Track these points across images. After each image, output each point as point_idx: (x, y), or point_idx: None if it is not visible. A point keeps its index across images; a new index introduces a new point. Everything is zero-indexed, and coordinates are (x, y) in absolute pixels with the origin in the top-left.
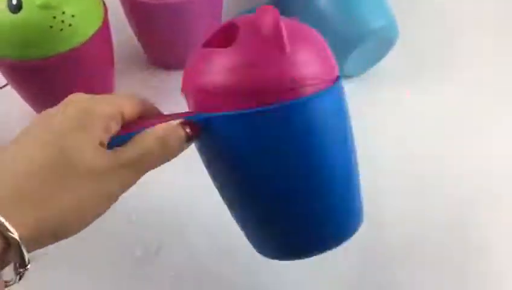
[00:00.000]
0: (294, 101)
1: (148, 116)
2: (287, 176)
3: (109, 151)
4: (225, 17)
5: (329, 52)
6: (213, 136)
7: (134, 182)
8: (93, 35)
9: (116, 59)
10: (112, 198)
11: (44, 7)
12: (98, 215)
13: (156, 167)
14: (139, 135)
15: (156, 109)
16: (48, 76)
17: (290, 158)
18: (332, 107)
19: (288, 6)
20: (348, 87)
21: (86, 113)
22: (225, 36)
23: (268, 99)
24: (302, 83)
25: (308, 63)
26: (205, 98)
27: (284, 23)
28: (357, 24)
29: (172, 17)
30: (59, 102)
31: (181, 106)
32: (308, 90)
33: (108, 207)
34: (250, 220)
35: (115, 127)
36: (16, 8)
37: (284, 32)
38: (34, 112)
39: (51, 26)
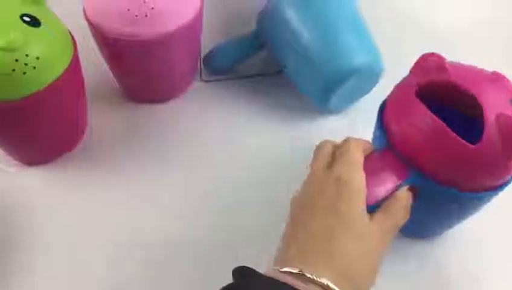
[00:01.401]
0: None
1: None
2: None
3: (370, 217)
4: (204, 50)
5: None
6: None
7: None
8: (60, 75)
9: (90, 95)
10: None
11: (6, 49)
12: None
13: None
14: (388, 204)
15: (369, 143)
16: (12, 119)
17: None
18: None
19: (274, 48)
20: (332, 124)
21: (346, 187)
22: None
23: None
24: None
25: None
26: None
27: None
28: (340, 62)
29: (146, 53)
30: (28, 143)
31: (156, 140)
32: None
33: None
34: None
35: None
36: None
37: None
38: None
39: (13, 70)
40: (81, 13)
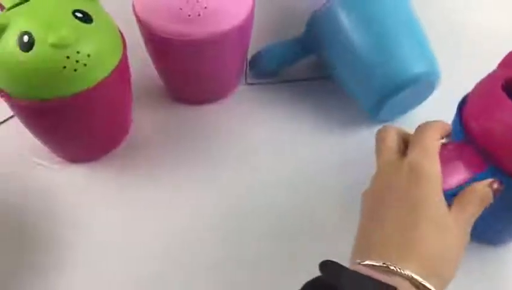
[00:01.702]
0: None
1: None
2: None
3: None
4: (251, 51)
5: None
6: None
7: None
8: (110, 73)
9: (135, 93)
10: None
11: (57, 46)
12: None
13: None
14: (463, 194)
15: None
16: (61, 116)
17: None
18: None
19: (326, 52)
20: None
21: (422, 175)
22: None
23: None
24: None
25: None
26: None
27: None
28: (397, 71)
29: (196, 52)
30: (74, 141)
31: (198, 141)
32: None
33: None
34: None
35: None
36: (27, 47)
37: None
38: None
39: (64, 67)
40: (128, 9)
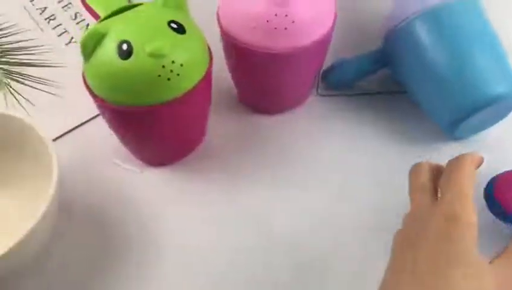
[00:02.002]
0: None
1: None
2: None
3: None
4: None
5: None
6: None
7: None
8: (198, 82)
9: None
10: None
11: (154, 56)
12: None
13: None
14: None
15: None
16: (149, 123)
17: None
18: None
19: (401, 67)
20: (454, 151)
21: (455, 222)
22: None
23: None
24: None
25: None
26: None
27: None
28: (477, 90)
29: (277, 64)
30: (155, 145)
31: (269, 152)
32: None
33: None
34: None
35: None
36: (126, 55)
37: None
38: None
39: (159, 76)
40: (209, 19)
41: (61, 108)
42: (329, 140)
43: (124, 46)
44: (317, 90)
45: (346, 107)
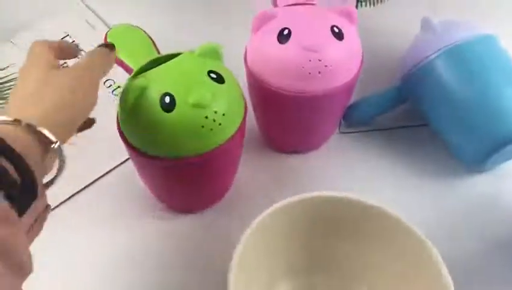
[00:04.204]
0: None
1: None
2: None
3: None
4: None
5: None
6: None
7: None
8: (235, 131)
9: None
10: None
11: (198, 106)
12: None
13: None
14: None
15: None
16: (187, 172)
17: None
18: None
19: (422, 95)
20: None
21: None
22: None
23: None
24: None
25: None
26: None
27: None
28: (503, 127)
29: (308, 107)
30: (189, 194)
31: (300, 189)
32: None
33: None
34: None
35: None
36: (169, 107)
37: None
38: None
39: (202, 126)
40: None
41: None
42: (352, 176)
43: (167, 99)
44: (339, 128)
45: (368, 143)
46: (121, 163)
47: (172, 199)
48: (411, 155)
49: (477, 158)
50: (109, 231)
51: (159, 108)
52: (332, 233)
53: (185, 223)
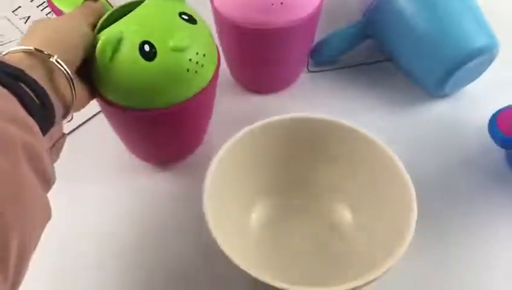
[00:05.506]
0: None
1: None
2: None
3: None
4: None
5: None
6: None
7: None
8: (214, 72)
9: None
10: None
11: (179, 49)
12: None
13: None
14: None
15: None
16: (169, 122)
17: None
18: None
19: (385, 28)
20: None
21: None
22: None
23: None
24: None
25: None
26: None
27: None
28: (462, 44)
29: (273, 41)
30: (166, 145)
31: None
32: None
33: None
34: None
35: None
36: (150, 55)
37: None
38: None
39: (188, 70)
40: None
41: None
42: (324, 111)
43: (146, 47)
44: (307, 67)
45: (336, 80)
46: (92, 117)
47: (144, 152)
48: (378, 89)
49: (436, 83)
50: (81, 184)
51: (139, 58)
52: (307, 154)
53: (166, 174)
